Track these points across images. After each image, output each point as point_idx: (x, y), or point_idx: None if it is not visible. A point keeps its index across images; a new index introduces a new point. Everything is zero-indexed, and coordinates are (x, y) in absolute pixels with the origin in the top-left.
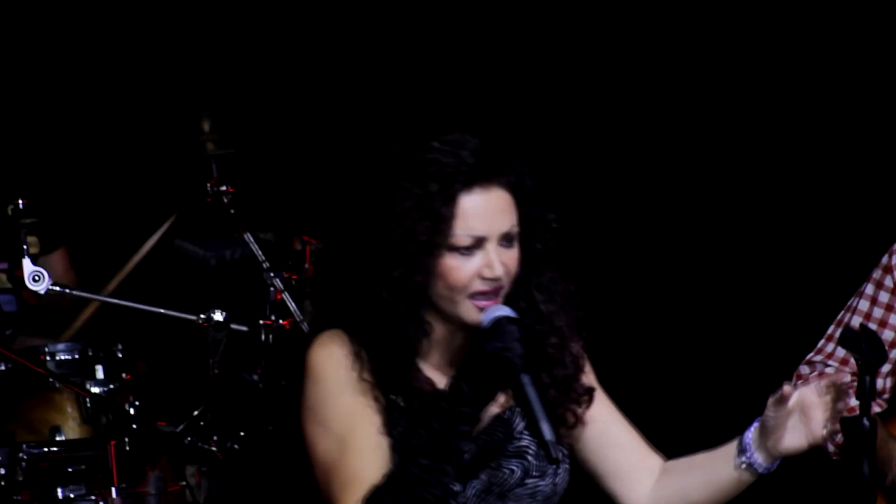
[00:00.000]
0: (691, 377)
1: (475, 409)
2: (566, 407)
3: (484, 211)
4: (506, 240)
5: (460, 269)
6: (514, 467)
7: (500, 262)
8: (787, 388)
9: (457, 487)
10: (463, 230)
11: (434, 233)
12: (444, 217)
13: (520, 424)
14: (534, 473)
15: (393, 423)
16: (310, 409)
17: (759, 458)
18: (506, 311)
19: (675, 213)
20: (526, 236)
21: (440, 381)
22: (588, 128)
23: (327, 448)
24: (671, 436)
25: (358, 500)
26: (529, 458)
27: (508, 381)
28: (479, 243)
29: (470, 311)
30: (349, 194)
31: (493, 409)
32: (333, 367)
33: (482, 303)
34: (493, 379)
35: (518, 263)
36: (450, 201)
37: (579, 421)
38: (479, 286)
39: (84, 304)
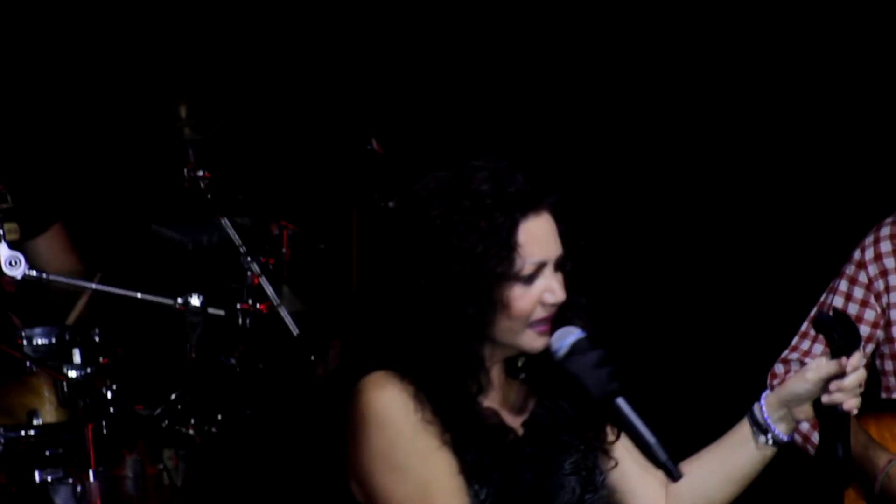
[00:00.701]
0: (664, 372)
1: (571, 438)
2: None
3: (543, 237)
4: (560, 263)
5: (523, 297)
6: (574, 485)
7: (559, 286)
8: (844, 360)
9: None
10: (525, 257)
11: (504, 264)
12: (511, 247)
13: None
14: (589, 488)
15: (461, 463)
16: (380, 457)
17: (782, 431)
18: (578, 333)
19: (657, 208)
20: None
21: (503, 416)
22: (582, 127)
23: (407, 494)
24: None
25: None
26: (583, 472)
27: (599, 408)
28: (539, 270)
29: (532, 340)
30: (392, 231)
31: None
32: (398, 409)
33: (541, 328)
34: (586, 406)
35: None
36: (514, 230)
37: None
38: (541, 313)
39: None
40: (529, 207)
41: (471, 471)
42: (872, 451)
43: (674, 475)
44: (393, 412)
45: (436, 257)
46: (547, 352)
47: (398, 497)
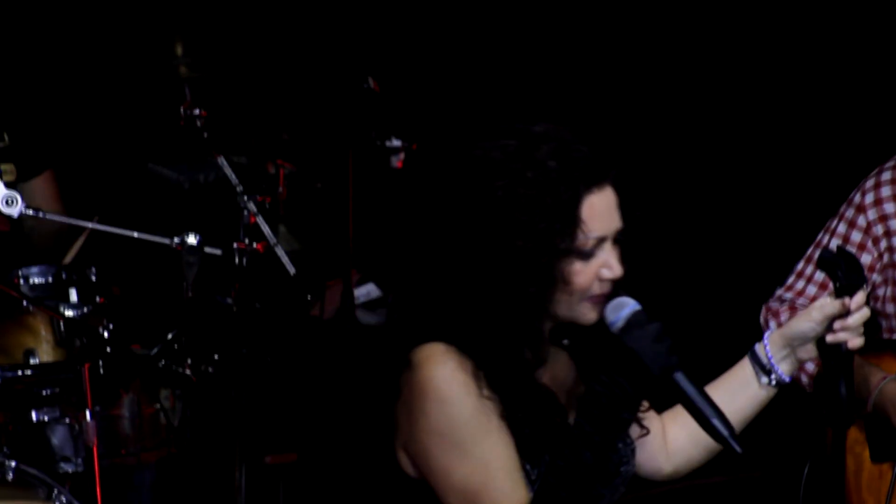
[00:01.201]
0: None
1: (631, 411)
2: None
3: (605, 211)
4: (618, 238)
5: (582, 273)
6: (613, 458)
7: (617, 262)
8: (848, 300)
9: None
10: (587, 232)
11: (567, 240)
12: (575, 222)
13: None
14: (624, 460)
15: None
16: (438, 434)
17: (785, 372)
18: (633, 305)
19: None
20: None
21: (556, 393)
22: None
23: (468, 472)
24: None
25: None
26: (620, 445)
27: (658, 383)
28: (599, 245)
29: (588, 312)
30: (450, 195)
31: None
32: (459, 385)
33: (596, 300)
34: (644, 381)
35: None
36: (578, 205)
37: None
38: (598, 289)
39: (72, 233)
40: (593, 181)
41: (524, 449)
42: (867, 370)
43: (736, 450)
44: (454, 388)
45: (498, 231)
46: (600, 324)
47: (457, 476)
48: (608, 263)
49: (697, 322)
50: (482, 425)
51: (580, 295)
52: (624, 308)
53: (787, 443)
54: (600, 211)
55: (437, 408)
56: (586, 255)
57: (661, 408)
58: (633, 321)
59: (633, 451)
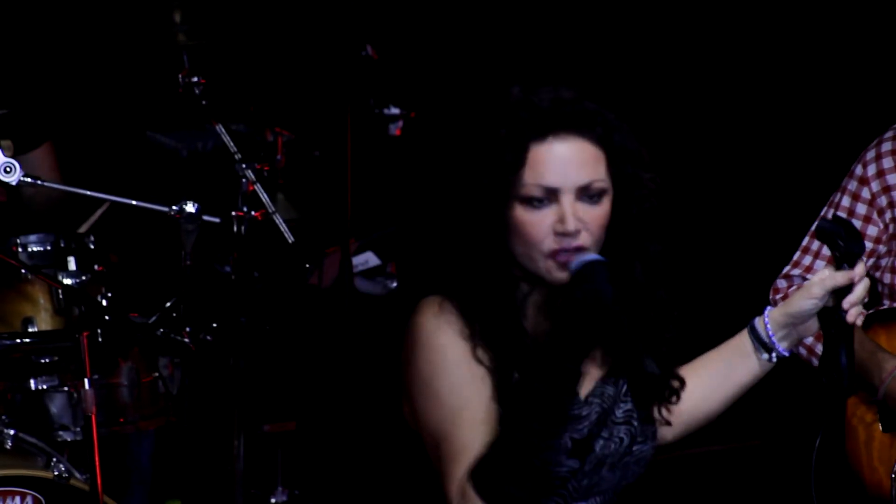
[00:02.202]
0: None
1: (574, 362)
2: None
3: (557, 161)
4: (586, 195)
5: (532, 223)
6: (623, 435)
7: (576, 216)
8: (850, 272)
9: (574, 464)
10: (532, 180)
11: (502, 182)
12: (510, 165)
13: (623, 386)
14: (639, 439)
15: (504, 390)
16: (422, 381)
17: (785, 348)
18: (593, 256)
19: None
20: (620, 199)
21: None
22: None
23: (440, 419)
24: None
25: (466, 470)
26: (635, 423)
27: (602, 323)
28: (552, 195)
29: (553, 271)
30: (437, 147)
31: (595, 373)
32: (446, 336)
33: (563, 258)
34: (588, 326)
35: (604, 224)
36: (518, 149)
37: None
38: (555, 243)
39: (70, 203)
40: (548, 130)
41: (516, 392)
42: (880, 356)
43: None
44: (439, 338)
45: (460, 179)
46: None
47: (432, 423)
48: (561, 216)
49: (700, 303)
50: (462, 376)
51: (537, 248)
52: (581, 258)
53: (785, 412)
54: (551, 161)
55: (422, 355)
56: (533, 204)
57: None
58: (584, 268)
59: (653, 433)
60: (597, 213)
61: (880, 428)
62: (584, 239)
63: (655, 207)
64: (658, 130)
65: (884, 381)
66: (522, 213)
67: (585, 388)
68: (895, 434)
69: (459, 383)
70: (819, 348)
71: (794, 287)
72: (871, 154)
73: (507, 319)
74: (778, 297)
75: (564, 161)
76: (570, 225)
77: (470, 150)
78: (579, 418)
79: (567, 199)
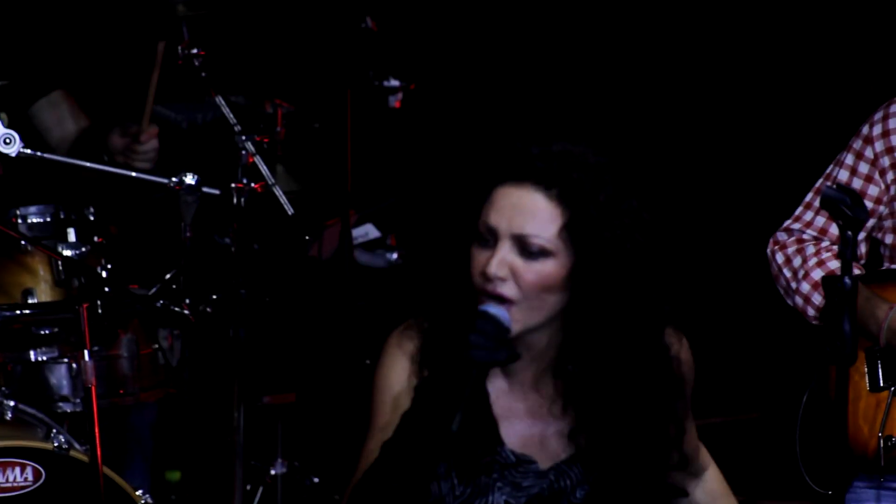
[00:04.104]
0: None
1: (442, 406)
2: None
3: (504, 205)
4: (524, 248)
5: (475, 259)
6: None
7: (505, 264)
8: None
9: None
10: (483, 218)
11: (463, 222)
12: (471, 207)
13: (576, 475)
14: (566, 489)
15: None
16: (371, 387)
17: None
18: (497, 311)
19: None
20: (582, 269)
21: (525, 392)
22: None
23: (368, 426)
24: None
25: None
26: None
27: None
28: (493, 237)
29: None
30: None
31: (557, 449)
32: (393, 356)
33: (483, 300)
34: (458, 374)
35: (542, 285)
36: (484, 190)
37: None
38: (481, 283)
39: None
40: (508, 177)
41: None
42: (874, 303)
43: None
44: (388, 356)
45: (434, 208)
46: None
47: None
48: (489, 259)
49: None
50: (390, 397)
51: (477, 282)
52: (490, 307)
53: (785, 385)
54: (502, 205)
55: (377, 369)
56: (481, 242)
57: None
58: (478, 317)
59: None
60: (532, 270)
61: (867, 387)
62: (508, 289)
63: (634, 286)
64: (658, 131)
65: (882, 328)
66: (473, 249)
67: (545, 463)
68: (882, 392)
69: (385, 401)
70: (816, 297)
71: (792, 240)
72: (878, 115)
73: (452, 347)
74: (776, 249)
75: (509, 206)
76: (492, 268)
77: (450, 187)
78: (520, 487)
79: (503, 245)
